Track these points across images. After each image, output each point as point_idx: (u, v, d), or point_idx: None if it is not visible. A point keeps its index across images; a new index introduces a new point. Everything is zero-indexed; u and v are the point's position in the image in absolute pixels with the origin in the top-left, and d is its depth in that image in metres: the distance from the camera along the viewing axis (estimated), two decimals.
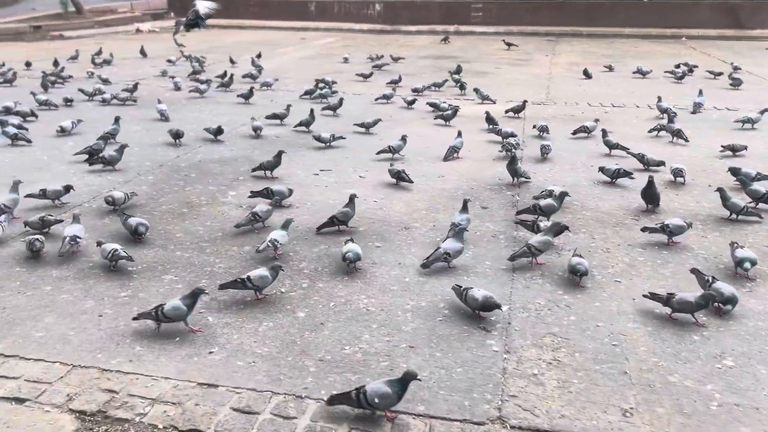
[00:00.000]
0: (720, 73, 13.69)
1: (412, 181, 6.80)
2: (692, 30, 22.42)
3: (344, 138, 8.47)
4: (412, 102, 10.79)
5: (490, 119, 9.14)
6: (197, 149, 8.24)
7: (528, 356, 3.79)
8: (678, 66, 14.41)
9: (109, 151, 7.34)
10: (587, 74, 13.79)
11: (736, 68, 14.32)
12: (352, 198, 5.64)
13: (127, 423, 3.23)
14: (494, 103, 10.92)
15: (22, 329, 4.03)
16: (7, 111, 9.61)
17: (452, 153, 7.82)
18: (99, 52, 15.99)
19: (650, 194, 6.04)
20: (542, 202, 5.72)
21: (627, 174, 6.81)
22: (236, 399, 3.40)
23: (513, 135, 8.33)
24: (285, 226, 5.16)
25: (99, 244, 4.92)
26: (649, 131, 8.97)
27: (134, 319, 4.03)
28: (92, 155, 7.45)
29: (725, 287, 4.26)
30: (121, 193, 6.01)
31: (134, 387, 3.49)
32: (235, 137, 8.80)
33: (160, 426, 3.21)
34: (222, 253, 5.19)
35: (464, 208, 5.48)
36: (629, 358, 3.76)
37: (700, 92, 10.76)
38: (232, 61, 15.19)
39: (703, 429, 3.20)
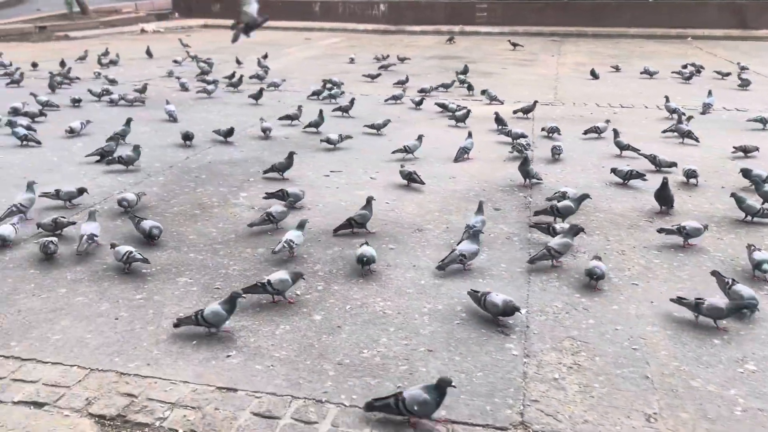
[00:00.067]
0: (728, 74, 13.64)
1: (423, 183, 6.78)
2: (698, 30, 22.36)
3: (351, 137, 8.46)
4: (420, 102, 10.77)
5: (499, 120, 9.10)
6: (207, 150, 8.22)
7: (548, 360, 3.76)
8: (685, 66, 14.36)
9: (126, 152, 7.33)
10: (594, 74, 13.75)
11: (743, 68, 14.26)
12: (369, 200, 5.61)
13: (147, 428, 3.21)
14: (502, 103, 10.89)
15: (38, 332, 4.02)
16: (15, 112, 9.60)
17: (463, 154, 7.80)
18: (106, 53, 15.98)
19: (664, 196, 6.01)
20: (560, 204, 5.70)
21: (640, 175, 6.77)
22: (256, 403, 3.38)
23: (523, 136, 8.30)
24: (300, 226, 5.15)
25: (113, 246, 4.90)
26: (663, 131, 8.92)
27: (175, 326, 3.98)
28: (104, 156, 7.46)
29: (745, 290, 4.23)
30: (133, 195, 6.00)
31: (153, 391, 3.47)
32: (245, 138, 8.78)
33: (181, 431, 3.19)
34: (236, 255, 5.17)
35: (479, 210, 5.46)
36: (650, 362, 3.73)
37: (710, 93, 10.71)
38: (238, 62, 15.17)
39: None
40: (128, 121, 8.47)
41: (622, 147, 7.95)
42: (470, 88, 11.96)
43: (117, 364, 3.70)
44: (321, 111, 9.20)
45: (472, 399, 3.40)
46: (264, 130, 8.77)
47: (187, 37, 21.22)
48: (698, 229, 5.21)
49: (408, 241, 5.46)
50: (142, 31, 24.11)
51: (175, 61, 15.32)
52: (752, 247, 4.86)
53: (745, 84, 12.60)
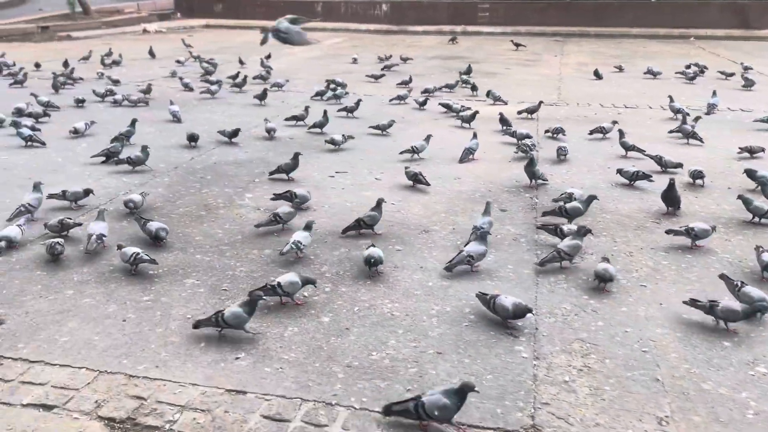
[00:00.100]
0: (732, 74, 13.61)
1: (428, 184, 6.76)
2: (700, 30, 22.32)
3: (353, 138, 8.45)
4: (424, 103, 10.75)
5: (503, 120, 9.09)
6: (211, 151, 8.21)
7: (558, 363, 3.75)
8: (689, 66, 14.34)
9: (135, 152, 7.33)
10: (598, 75, 13.73)
11: (747, 68, 14.24)
12: (379, 202, 5.61)
13: (158, 431, 3.20)
14: (506, 104, 10.87)
15: (46, 334, 4.01)
16: (20, 112, 9.59)
17: (468, 155, 7.78)
18: (109, 53, 15.97)
19: (671, 197, 5.99)
20: (568, 205, 5.69)
21: (646, 176, 6.75)
22: (266, 406, 3.37)
23: (528, 136, 8.28)
24: (307, 228, 5.13)
25: (119, 247, 4.89)
26: (670, 132, 8.88)
27: (194, 327, 3.97)
28: (109, 157, 7.46)
29: (755, 292, 4.21)
30: (139, 196, 5.99)
31: (162, 393, 3.46)
32: (249, 139, 8.77)
33: None
34: (242, 256, 5.16)
35: (486, 211, 5.45)
36: (660, 365, 3.72)
37: (714, 93, 10.69)
38: (241, 62, 15.15)
39: None
40: (133, 122, 8.47)
41: (628, 148, 7.93)
42: (474, 88, 11.94)
43: (126, 366, 3.69)
44: (325, 111, 9.19)
45: (482, 402, 3.39)
46: (268, 131, 8.75)
47: (190, 37, 21.21)
48: (706, 230, 5.19)
49: (415, 243, 5.45)
50: (145, 31, 24.11)
51: (178, 62, 15.31)
52: (761, 249, 4.84)
53: (749, 84, 12.58)
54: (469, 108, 10.27)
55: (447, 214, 6.10)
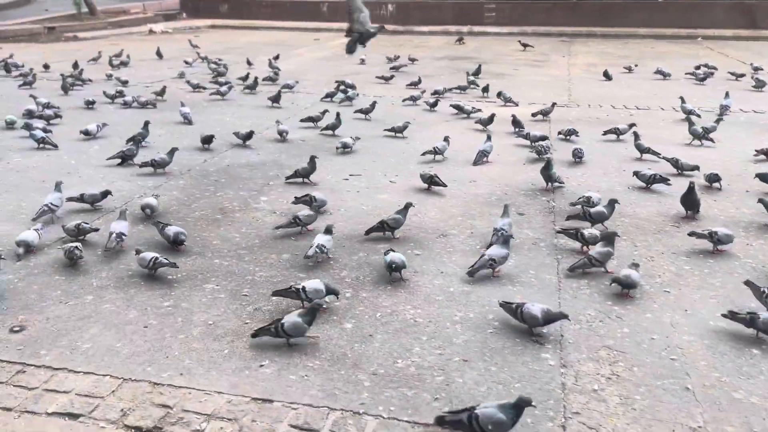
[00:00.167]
0: (742, 75, 13.54)
1: (445, 185, 6.72)
2: (707, 30, 22.22)
3: (359, 138, 8.45)
4: (435, 104, 10.71)
5: (516, 122, 9.05)
6: (224, 153, 8.18)
7: (585, 371, 3.71)
8: (698, 67, 14.26)
9: (161, 154, 7.32)
10: (607, 76, 13.65)
11: (757, 69, 14.17)
12: (407, 206, 5.58)
13: None
14: (517, 105, 10.81)
15: (68, 340, 3.98)
16: (30, 114, 9.57)
17: (482, 157, 7.74)
18: (119, 54, 15.95)
19: (690, 200, 5.94)
20: (593, 210, 5.64)
21: (663, 180, 6.70)
22: (293, 415, 3.33)
23: (543, 138, 8.23)
24: (328, 231, 5.11)
25: (137, 252, 4.86)
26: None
27: (253, 336, 3.94)
28: (125, 159, 7.45)
29: None
30: (155, 199, 5.97)
31: (188, 402, 3.43)
32: (261, 141, 8.73)
33: None
34: (261, 261, 5.13)
35: (505, 213, 5.42)
36: (690, 374, 3.67)
37: (727, 94, 10.61)
38: (249, 63, 15.11)
39: None
40: (146, 124, 8.43)
41: (643, 150, 7.88)
42: (486, 89, 11.87)
43: (150, 373, 3.66)
44: (338, 114, 9.15)
45: None
46: (280, 133, 8.72)
47: (196, 37, 21.18)
48: (729, 235, 5.15)
49: (433, 247, 5.41)
50: (150, 31, 24.09)
51: (186, 62, 15.27)
52: None
53: (760, 85, 12.51)
54: (479, 110, 10.24)
55: (464, 218, 6.06)
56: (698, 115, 9.66)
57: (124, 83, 12.41)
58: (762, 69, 14.17)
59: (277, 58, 15.45)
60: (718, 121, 9.02)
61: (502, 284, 4.76)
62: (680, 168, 7.24)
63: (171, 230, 5.21)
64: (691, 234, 5.31)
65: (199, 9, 28.50)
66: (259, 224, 5.88)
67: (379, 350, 3.91)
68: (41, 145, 8.17)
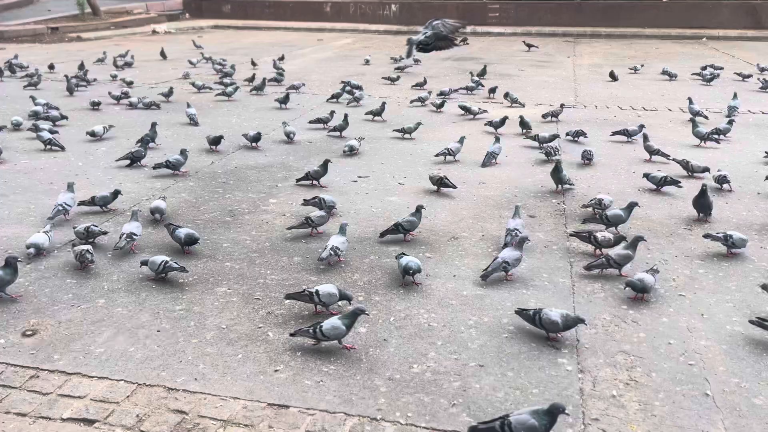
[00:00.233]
0: (749, 75, 13.49)
1: (455, 187, 6.69)
2: (712, 30, 22.18)
3: (363, 138, 8.43)
4: (441, 105, 10.68)
5: (524, 123, 9.02)
6: (231, 155, 8.15)
7: (603, 376, 3.68)
8: (705, 68, 14.21)
9: (175, 156, 7.30)
10: (613, 76, 13.61)
11: (763, 70, 14.13)
12: (419, 208, 5.55)
13: None
14: (523, 106, 10.78)
15: (81, 345, 3.95)
16: (36, 115, 9.55)
17: (491, 159, 7.71)
18: (125, 54, 15.93)
19: (703, 203, 5.90)
20: (609, 212, 5.61)
21: (674, 182, 6.66)
22: (310, 421, 3.30)
23: (554, 137, 8.19)
24: (342, 231, 5.08)
25: (143, 264, 4.78)
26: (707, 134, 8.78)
27: (291, 335, 3.93)
28: (133, 161, 7.43)
29: None
30: (164, 202, 5.95)
31: (203, 407, 3.40)
32: (268, 142, 8.70)
33: None
34: (272, 264, 5.10)
35: (516, 213, 5.41)
36: (709, 379, 3.64)
37: (735, 95, 10.56)
38: (253, 63, 15.09)
39: None
40: (153, 126, 8.41)
41: (652, 152, 7.84)
42: (493, 90, 11.82)
43: (164, 378, 3.63)
44: (346, 115, 9.11)
45: None
46: (288, 135, 8.69)
47: (199, 38, 21.18)
48: (744, 239, 5.11)
49: (445, 250, 5.38)
50: (154, 32, 24.09)
51: (190, 62, 15.25)
52: None
53: (767, 86, 12.45)
54: (486, 110, 10.21)
55: (474, 220, 6.03)
56: (705, 117, 9.62)
57: (129, 84, 12.39)
58: None
59: (281, 59, 15.44)
60: (731, 122, 8.96)
61: (515, 288, 4.72)
62: (691, 170, 7.20)
63: (182, 232, 5.18)
64: (705, 236, 5.28)
65: (202, 9, 28.51)
66: (269, 227, 5.85)
67: (394, 355, 3.88)
68: (48, 147, 8.14)
